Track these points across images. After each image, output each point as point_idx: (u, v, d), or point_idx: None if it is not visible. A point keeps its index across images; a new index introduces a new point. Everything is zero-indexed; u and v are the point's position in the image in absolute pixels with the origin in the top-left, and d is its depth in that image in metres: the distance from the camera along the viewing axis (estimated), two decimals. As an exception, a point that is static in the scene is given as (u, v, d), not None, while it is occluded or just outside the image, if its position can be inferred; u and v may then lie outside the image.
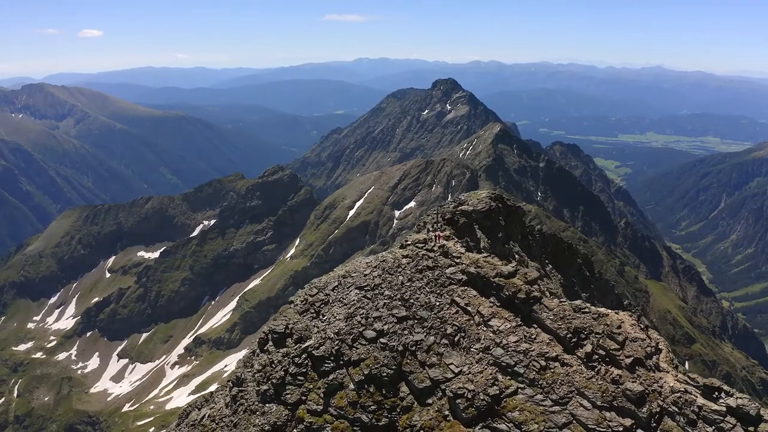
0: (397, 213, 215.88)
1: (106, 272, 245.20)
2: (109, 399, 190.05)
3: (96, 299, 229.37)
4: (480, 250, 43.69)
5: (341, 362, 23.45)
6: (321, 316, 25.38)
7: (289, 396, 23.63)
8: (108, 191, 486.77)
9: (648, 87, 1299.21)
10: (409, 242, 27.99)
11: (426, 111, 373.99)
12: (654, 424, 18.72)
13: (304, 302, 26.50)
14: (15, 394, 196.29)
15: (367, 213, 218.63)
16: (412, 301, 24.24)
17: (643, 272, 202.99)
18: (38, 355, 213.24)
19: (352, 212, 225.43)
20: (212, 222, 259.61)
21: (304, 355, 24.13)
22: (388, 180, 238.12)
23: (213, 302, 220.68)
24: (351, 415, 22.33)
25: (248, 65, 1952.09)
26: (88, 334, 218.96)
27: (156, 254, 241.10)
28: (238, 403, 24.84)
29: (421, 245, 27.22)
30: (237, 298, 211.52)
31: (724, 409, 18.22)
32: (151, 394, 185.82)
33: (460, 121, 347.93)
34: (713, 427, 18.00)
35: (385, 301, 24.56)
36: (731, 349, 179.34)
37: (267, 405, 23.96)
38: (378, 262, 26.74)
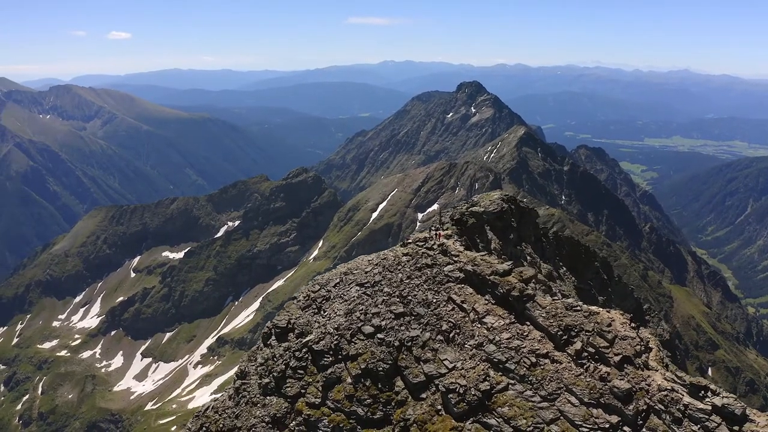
0: (420, 215, 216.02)
1: (131, 272, 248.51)
2: (132, 397, 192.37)
3: (121, 298, 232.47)
4: (490, 250, 43.91)
5: (340, 357, 23.97)
6: (322, 312, 25.93)
7: (289, 389, 24.22)
8: (134, 192, 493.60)
9: (675, 90, 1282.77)
10: (410, 241, 28.45)
11: (450, 114, 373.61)
12: (640, 422, 18.87)
13: (307, 298, 27.11)
14: (39, 392, 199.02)
15: (390, 215, 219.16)
16: (410, 298, 24.67)
17: (667, 277, 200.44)
18: (63, 353, 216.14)
19: (375, 214, 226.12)
20: (236, 223, 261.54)
21: (304, 350, 24.70)
22: (411, 182, 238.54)
23: (236, 303, 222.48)
24: (347, 408, 22.83)
25: (274, 68, 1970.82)
26: (113, 333, 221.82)
27: (180, 254, 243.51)
28: (240, 395, 25.50)
29: (422, 244, 27.65)
30: (260, 299, 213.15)
31: (710, 408, 18.32)
32: (174, 393, 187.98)
33: (484, 124, 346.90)
34: (698, 426, 18.10)
35: (384, 297, 25.02)
36: (756, 356, 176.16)
37: (268, 397, 24.57)
38: (379, 259, 27.23)
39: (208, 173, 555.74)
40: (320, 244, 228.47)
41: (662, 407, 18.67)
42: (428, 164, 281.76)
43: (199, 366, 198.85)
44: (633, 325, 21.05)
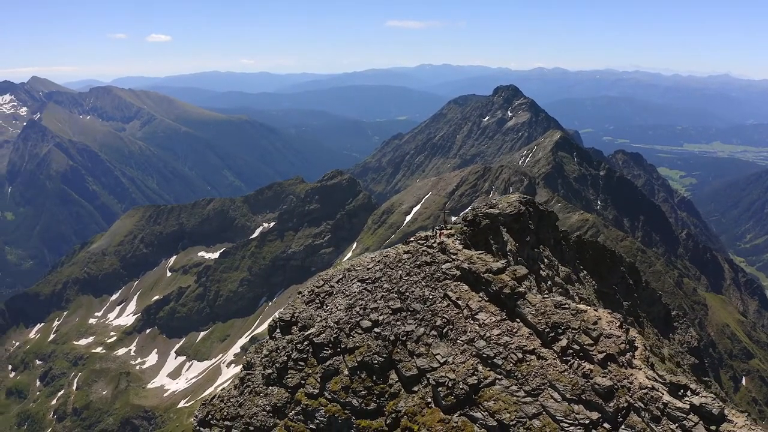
0: (453, 219, 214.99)
1: (167, 271, 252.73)
2: (165, 395, 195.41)
3: (156, 297, 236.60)
4: (506, 252, 44.22)
5: (338, 349, 24.75)
6: (324, 306, 26.77)
7: (290, 379, 25.10)
8: (172, 192, 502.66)
9: (714, 95, 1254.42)
10: (412, 239, 29.11)
11: (487, 117, 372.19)
12: (620, 419, 19.12)
13: (311, 293, 28.01)
14: (74, 387, 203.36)
15: (424, 218, 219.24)
16: (407, 294, 25.30)
17: (703, 285, 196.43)
18: (98, 349, 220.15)
19: (409, 217, 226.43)
20: (271, 224, 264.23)
21: (306, 342, 25.55)
22: (445, 186, 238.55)
23: (270, 303, 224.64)
24: (343, 399, 23.60)
25: (312, 71, 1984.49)
26: (148, 330, 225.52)
27: (216, 255, 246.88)
28: (245, 385, 26.47)
29: (423, 242, 28.29)
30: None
31: (688, 407, 18.46)
32: (207, 392, 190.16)
33: (521, 128, 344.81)
34: (676, 424, 18.26)
35: (383, 293, 25.71)
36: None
37: (270, 387, 25.49)
38: (381, 257, 27.96)
39: (245, 175, 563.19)
40: (354, 246, 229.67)
41: (642, 405, 18.90)
42: (463, 168, 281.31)
43: (232, 365, 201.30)
44: (620, 323, 21.28)
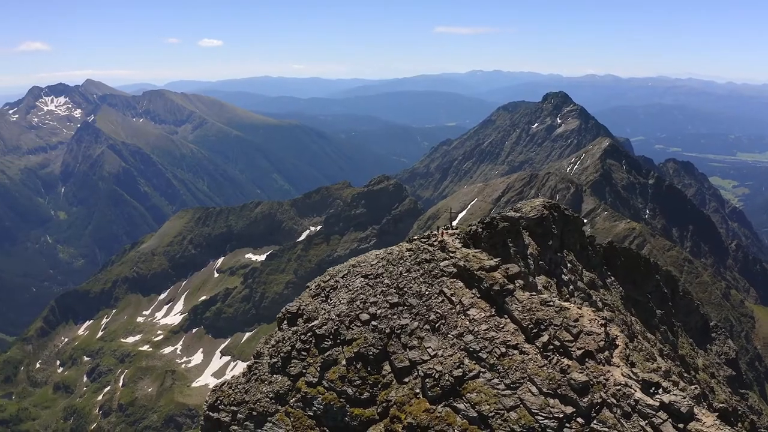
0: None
1: (215, 272, 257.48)
2: (209, 394, 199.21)
3: (203, 297, 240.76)
4: (526, 255, 44.62)
5: (338, 341, 25.85)
6: (329, 300, 27.94)
7: (292, 368, 26.33)
8: (222, 195, 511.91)
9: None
10: (415, 237, 30.05)
11: (536, 124, 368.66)
12: (594, 414, 19.58)
13: (318, 287, 29.25)
14: (120, 384, 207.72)
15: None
16: (405, 289, 26.22)
17: (752, 297, 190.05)
18: (145, 347, 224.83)
19: (454, 223, 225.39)
20: (318, 228, 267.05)
21: (309, 333, 26.75)
22: (491, 192, 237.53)
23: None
24: (339, 387, 24.66)
25: (362, 76, 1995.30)
26: (194, 330, 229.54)
27: (263, 257, 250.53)
28: (252, 372, 27.83)
29: (425, 240, 29.20)
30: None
31: (658, 404, 18.81)
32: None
33: (570, 135, 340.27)
34: (646, 421, 18.61)
35: (383, 288, 26.70)
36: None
37: (274, 376, 26.76)
38: (385, 254, 28.98)
39: (294, 179, 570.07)
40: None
41: (614, 401, 19.33)
42: (510, 174, 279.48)
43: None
44: (602, 322, 21.72)
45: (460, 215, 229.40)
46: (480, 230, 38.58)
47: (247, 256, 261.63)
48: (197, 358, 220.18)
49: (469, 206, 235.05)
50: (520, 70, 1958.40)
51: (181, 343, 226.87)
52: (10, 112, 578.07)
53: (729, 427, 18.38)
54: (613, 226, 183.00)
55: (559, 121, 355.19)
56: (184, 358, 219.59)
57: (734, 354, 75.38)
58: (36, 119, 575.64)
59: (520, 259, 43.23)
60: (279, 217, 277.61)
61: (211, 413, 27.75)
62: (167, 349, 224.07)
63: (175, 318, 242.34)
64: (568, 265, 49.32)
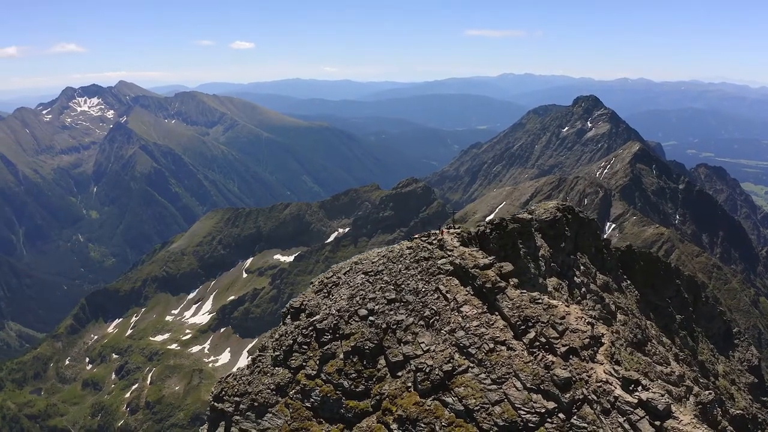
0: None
1: (243, 272, 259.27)
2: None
3: (232, 297, 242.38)
4: (536, 257, 44.85)
5: (337, 335, 26.63)
6: (331, 296, 28.75)
7: (293, 361, 27.18)
8: (252, 196, 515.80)
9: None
10: (416, 236, 30.71)
11: (566, 128, 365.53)
12: (575, 410, 19.96)
13: (321, 283, 30.10)
14: (148, 382, 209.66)
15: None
16: (403, 286, 26.87)
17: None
18: (173, 346, 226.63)
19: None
20: (346, 230, 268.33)
21: (310, 328, 27.57)
22: (519, 196, 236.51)
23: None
24: (336, 380, 25.44)
25: (393, 79, 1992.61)
26: (222, 330, 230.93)
27: (291, 258, 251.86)
28: (255, 365, 28.75)
29: (425, 239, 29.82)
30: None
31: (636, 401, 19.11)
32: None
33: (600, 139, 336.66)
34: (624, 418, 18.91)
35: (382, 285, 27.39)
36: None
37: (276, 368, 27.64)
38: (386, 251, 29.72)
39: (324, 181, 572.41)
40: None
41: (595, 398, 19.68)
42: (539, 178, 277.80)
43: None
44: (589, 320, 22.05)
45: (487, 219, 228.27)
46: (489, 231, 39.00)
47: (275, 257, 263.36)
48: (224, 357, 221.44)
49: (497, 210, 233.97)
50: (552, 74, 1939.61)
51: (209, 342, 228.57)
52: (44, 112, 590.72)
53: (706, 426, 18.60)
54: (642, 231, 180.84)
55: (589, 124, 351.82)
56: (212, 357, 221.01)
57: (757, 361, 74.24)
58: (69, 120, 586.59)
59: (530, 261, 43.48)
60: (307, 219, 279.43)
61: (216, 403, 28.71)
62: (195, 348, 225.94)
63: (203, 317, 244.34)
64: (581, 267, 49.34)
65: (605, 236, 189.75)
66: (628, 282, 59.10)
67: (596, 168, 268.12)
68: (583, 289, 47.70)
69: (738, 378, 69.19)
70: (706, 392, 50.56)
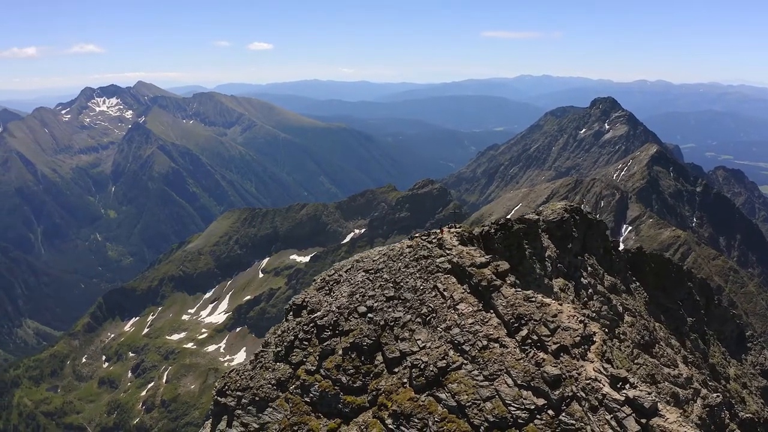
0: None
1: (259, 272, 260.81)
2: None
3: (248, 297, 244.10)
4: (542, 258, 45.02)
5: (337, 332, 27.11)
6: (332, 293, 29.25)
7: (294, 357, 27.70)
8: (269, 196, 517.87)
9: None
10: (417, 234, 31.14)
11: (583, 130, 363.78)
12: (563, 407, 20.23)
13: (323, 281, 30.60)
14: (164, 380, 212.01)
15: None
16: (402, 284, 27.30)
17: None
18: (189, 345, 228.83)
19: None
20: (362, 231, 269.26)
21: (311, 324, 28.09)
22: (535, 198, 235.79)
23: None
24: (334, 376, 25.91)
25: (410, 80, 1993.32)
26: (238, 329, 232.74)
27: (307, 258, 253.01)
28: (258, 360, 29.31)
29: (425, 238, 30.23)
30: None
31: (623, 398, 19.34)
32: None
33: (618, 141, 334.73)
34: (611, 415, 19.14)
35: (381, 283, 27.85)
36: None
37: (277, 363, 28.17)
38: (387, 250, 30.19)
39: (341, 181, 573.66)
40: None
41: (584, 395, 19.94)
42: (555, 180, 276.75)
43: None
44: (581, 318, 22.31)
45: (503, 220, 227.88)
46: (493, 231, 39.26)
47: (291, 257, 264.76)
48: (240, 356, 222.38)
49: (513, 211, 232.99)
50: (570, 75, 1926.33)
51: (224, 341, 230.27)
52: (63, 112, 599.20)
53: (692, 424, 18.80)
54: (658, 233, 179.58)
55: (607, 126, 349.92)
56: (227, 357, 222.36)
57: (770, 365, 73.54)
58: (88, 119, 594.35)
59: (536, 261, 43.67)
60: (324, 220, 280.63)
61: (219, 398, 29.28)
62: (211, 347, 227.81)
63: (219, 317, 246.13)
64: (589, 268, 49.37)
65: (621, 239, 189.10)
66: (638, 284, 58.95)
67: (613, 170, 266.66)
68: (590, 290, 47.74)
69: (750, 381, 68.66)
70: (714, 395, 50.39)
